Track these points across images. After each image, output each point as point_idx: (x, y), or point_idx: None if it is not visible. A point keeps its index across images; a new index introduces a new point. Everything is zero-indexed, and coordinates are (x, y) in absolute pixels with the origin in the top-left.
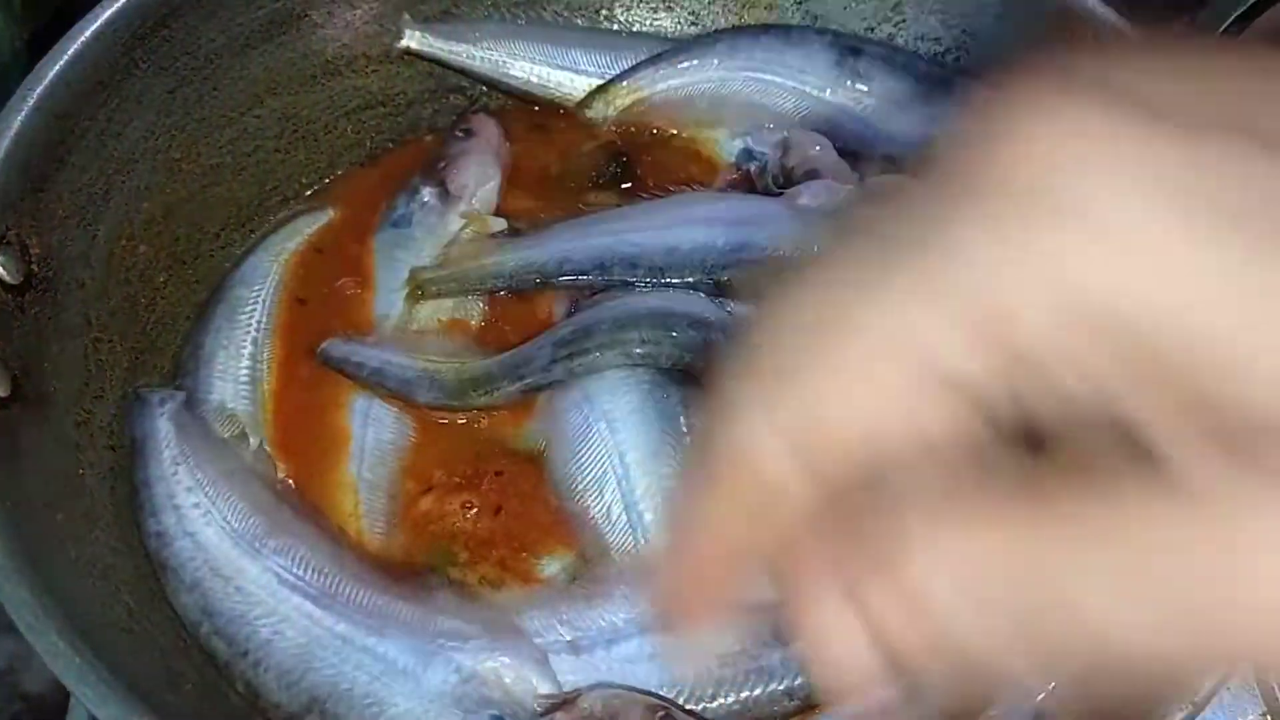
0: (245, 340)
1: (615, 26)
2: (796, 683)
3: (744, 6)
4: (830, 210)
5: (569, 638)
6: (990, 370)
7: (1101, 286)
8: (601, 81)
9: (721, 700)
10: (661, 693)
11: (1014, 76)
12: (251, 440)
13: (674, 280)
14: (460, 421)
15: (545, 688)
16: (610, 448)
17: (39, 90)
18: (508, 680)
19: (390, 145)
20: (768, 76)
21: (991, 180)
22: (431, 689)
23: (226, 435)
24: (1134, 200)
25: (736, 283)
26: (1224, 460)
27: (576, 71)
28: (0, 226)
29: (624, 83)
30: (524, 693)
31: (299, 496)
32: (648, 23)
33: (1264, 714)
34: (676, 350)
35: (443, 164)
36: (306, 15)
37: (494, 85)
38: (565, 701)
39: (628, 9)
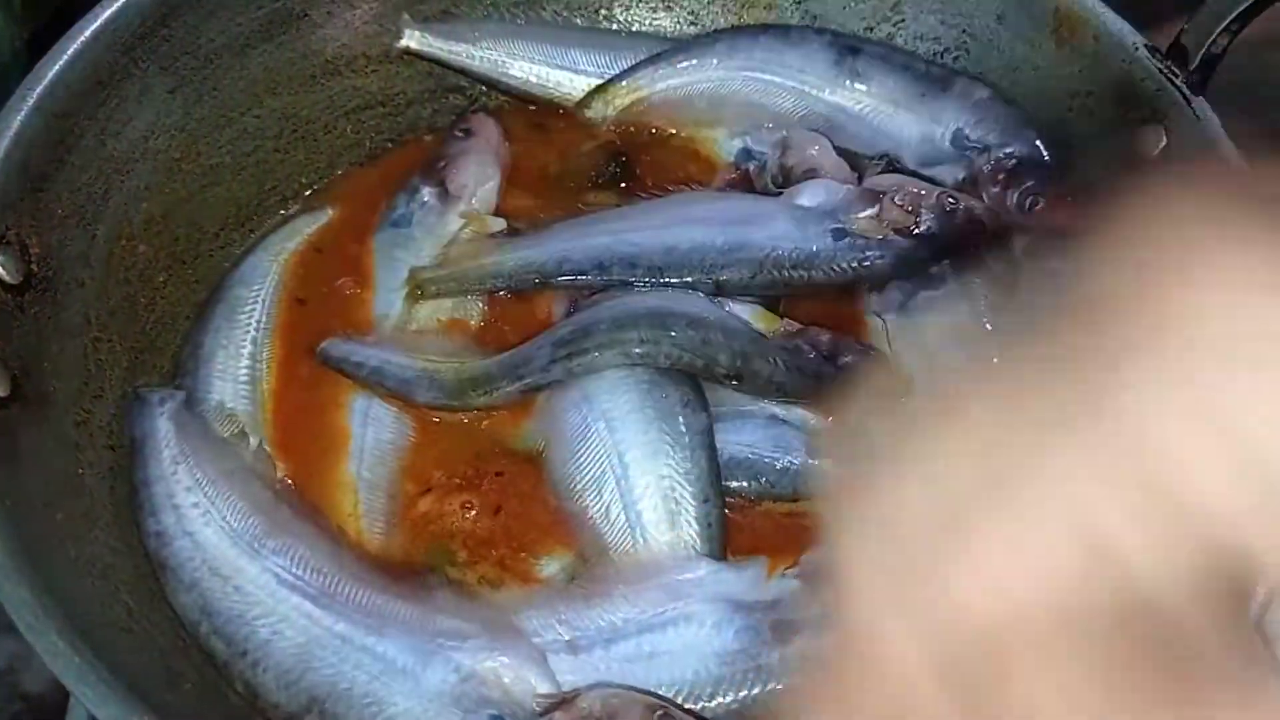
0: (245, 340)
1: (614, 26)
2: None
3: (743, 6)
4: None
5: (568, 637)
6: (1158, 539)
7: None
8: (600, 81)
9: (720, 700)
10: (660, 692)
11: (1156, 218)
12: (251, 440)
13: (673, 280)
14: (463, 421)
15: (544, 687)
16: (609, 447)
17: (38, 90)
18: (507, 680)
19: (389, 145)
20: (767, 76)
21: (1157, 335)
22: (430, 688)
23: (226, 435)
24: None
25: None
26: None
27: (576, 71)
28: (0, 226)
29: (623, 82)
30: (523, 692)
31: (298, 496)
32: (647, 22)
33: None
34: (675, 350)
35: (442, 164)
36: (306, 15)
37: (493, 85)
38: (564, 701)
39: (627, 9)
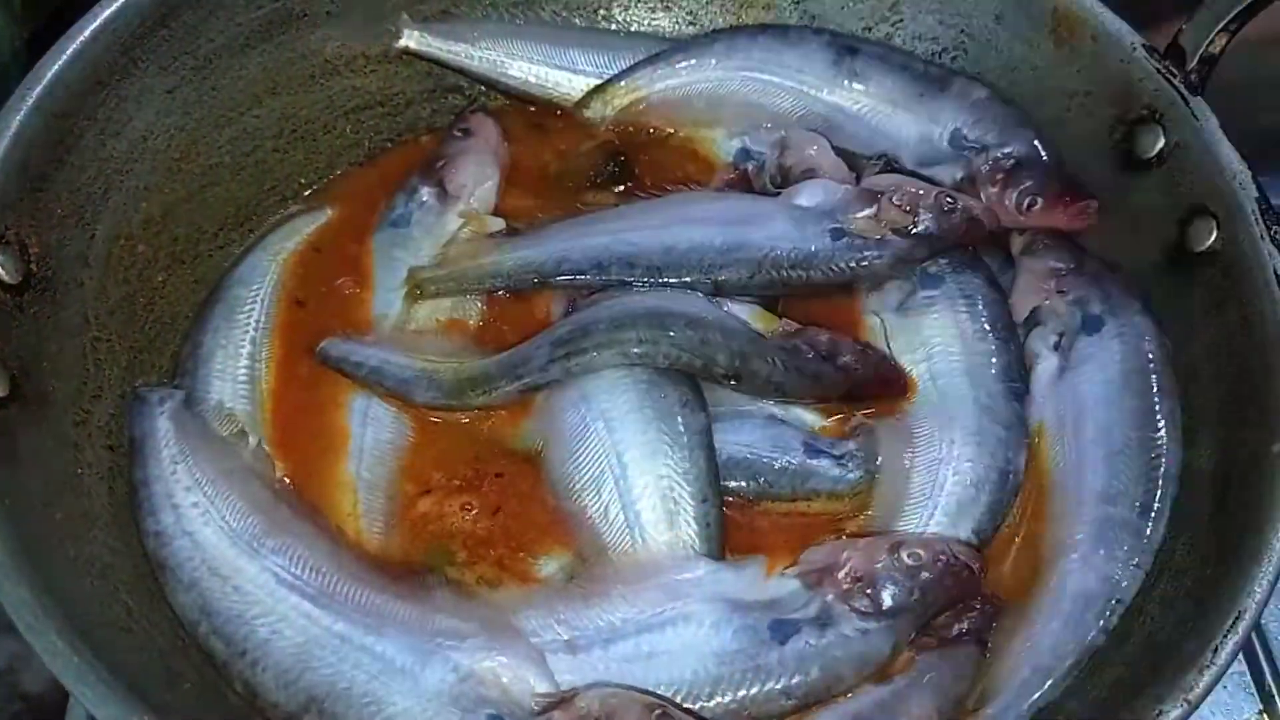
0: (244, 339)
1: (613, 26)
2: (793, 682)
3: (741, 6)
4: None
5: (566, 637)
6: None
7: None
8: (599, 81)
9: (719, 699)
10: (659, 692)
11: None
12: (250, 439)
13: (671, 280)
14: (462, 421)
15: (542, 687)
16: (608, 447)
17: (38, 90)
18: (505, 679)
19: (389, 145)
20: (765, 76)
21: None
22: (429, 688)
23: (225, 434)
24: None
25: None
26: None
27: (574, 71)
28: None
29: (622, 82)
30: (521, 692)
31: (297, 495)
32: (645, 23)
33: (1260, 712)
34: (674, 350)
35: (441, 163)
36: (305, 15)
37: (492, 85)
38: (562, 701)
39: (626, 9)
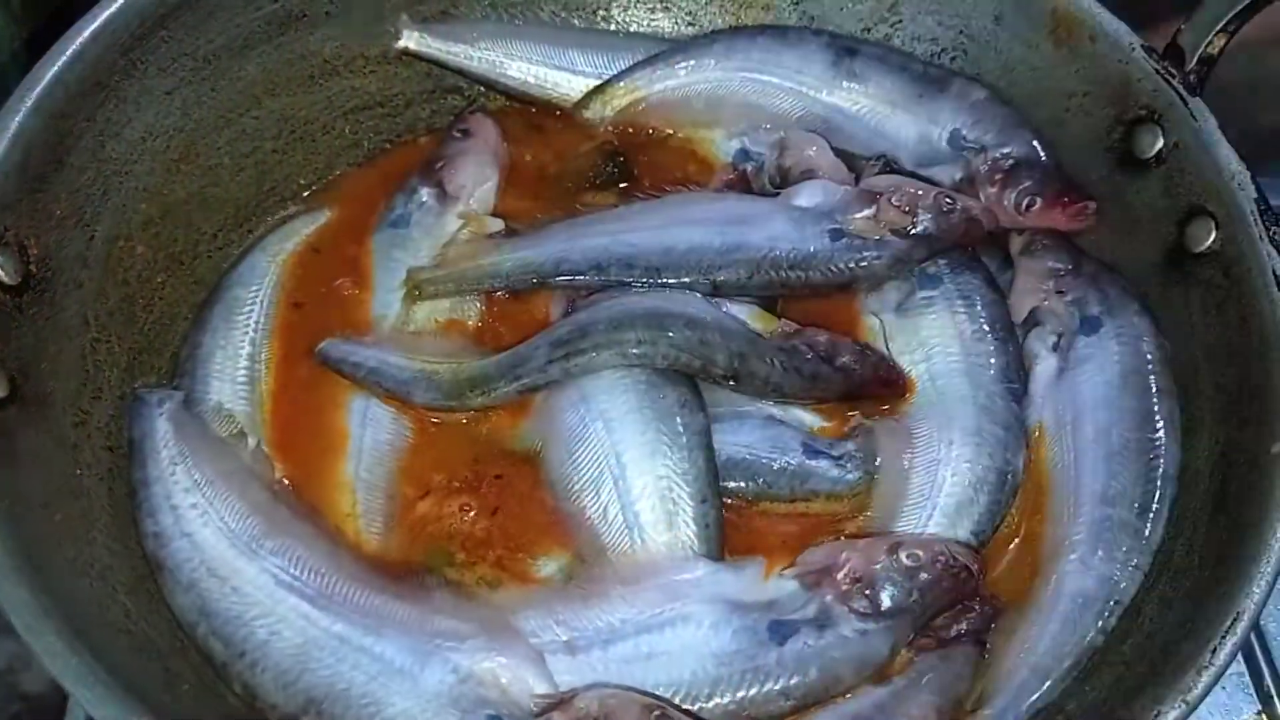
0: (243, 340)
1: (612, 27)
2: (792, 682)
3: (741, 7)
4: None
5: (565, 638)
6: None
7: None
8: (598, 82)
9: (718, 700)
10: (658, 693)
11: None
12: (249, 440)
13: (670, 280)
14: (461, 422)
15: (541, 688)
16: (607, 448)
17: (37, 91)
18: (504, 680)
19: (388, 146)
20: (764, 77)
21: None
22: (429, 689)
23: (224, 435)
24: None
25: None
26: None
27: (574, 72)
28: None
29: (621, 83)
30: (520, 693)
31: (296, 497)
32: (645, 23)
33: (1259, 712)
34: (672, 350)
35: (440, 164)
36: (304, 16)
37: (491, 86)
38: (561, 701)
39: (625, 9)
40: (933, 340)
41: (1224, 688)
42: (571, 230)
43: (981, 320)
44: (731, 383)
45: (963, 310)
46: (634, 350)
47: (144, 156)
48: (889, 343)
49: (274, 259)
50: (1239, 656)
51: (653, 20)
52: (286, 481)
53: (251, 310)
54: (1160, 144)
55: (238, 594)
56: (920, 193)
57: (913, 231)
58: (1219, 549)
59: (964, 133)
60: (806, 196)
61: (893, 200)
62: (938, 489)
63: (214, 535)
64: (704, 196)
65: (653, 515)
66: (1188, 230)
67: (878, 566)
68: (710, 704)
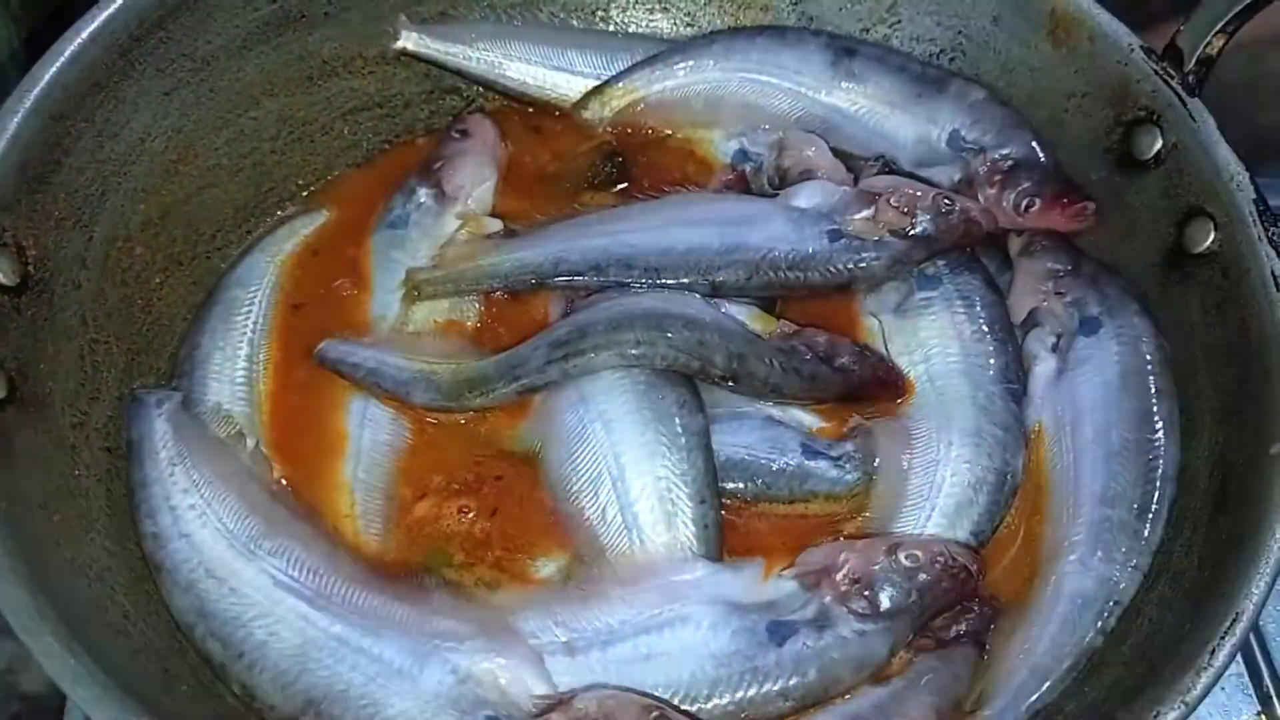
0: (241, 341)
1: (611, 28)
2: (791, 683)
3: (740, 7)
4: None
5: (564, 639)
6: None
7: None
8: (597, 83)
9: (717, 701)
10: (656, 693)
11: None
12: (248, 441)
13: (669, 281)
14: (460, 423)
15: (540, 688)
16: (605, 448)
17: (35, 92)
18: (503, 681)
19: (386, 146)
20: (763, 77)
21: None
22: (427, 690)
23: (223, 436)
24: None
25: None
26: None
27: (572, 73)
28: None
29: (620, 84)
30: (519, 694)
31: (295, 497)
32: (644, 24)
33: (1258, 713)
34: (671, 351)
35: (439, 165)
36: (303, 17)
37: (490, 86)
38: (560, 702)
39: (624, 10)
40: (932, 341)
41: (1223, 688)
42: (570, 231)
43: (981, 321)
44: (730, 383)
45: (962, 311)
46: (633, 351)
47: (142, 157)
48: (888, 343)
49: (272, 260)
50: (1238, 657)
51: (651, 21)
52: (285, 482)
53: (250, 311)
54: (1159, 145)
55: (236, 595)
56: (919, 194)
57: (911, 232)
58: (1218, 550)
59: (963, 133)
60: (805, 197)
61: (891, 201)
62: (937, 490)
63: (212, 536)
64: (703, 197)
65: (651, 516)
66: (1187, 231)
67: (877, 567)
68: (709, 705)
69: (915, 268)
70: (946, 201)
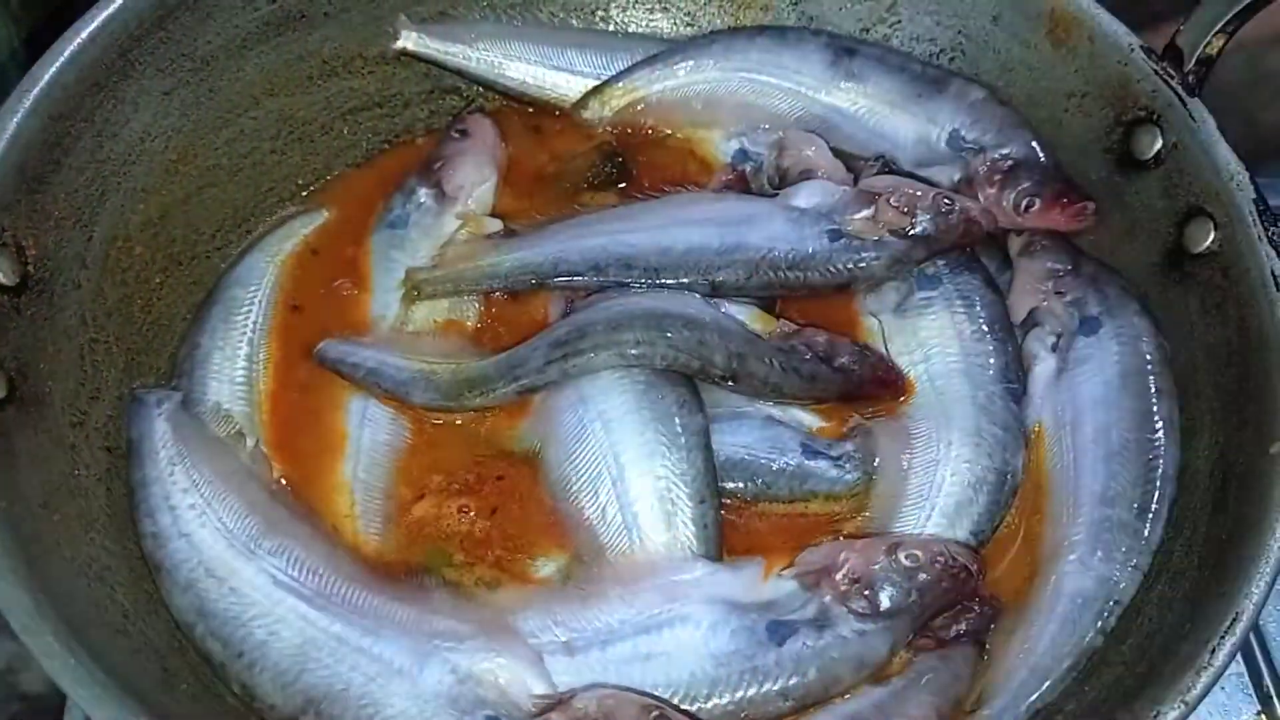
0: (241, 341)
1: (611, 28)
2: (791, 683)
3: (739, 7)
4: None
5: (564, 638)
6: None
7: None
8: (597, 82)
9: (716, 701)
10: (656, 693)
11: None
12: (248, 440)
13: (669, 281)
14: (459, 423)
15: (540, 688)
16: (605, 448)
17: (35, 92)
18: (503, 681)
19: (386, 146)
20: (763, 77)
21: None
22: (427, 689)
23: (223, 435)
24: None
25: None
26: None
27: (572, 72)
28: None
29: (619, 84)
30: (519, 693)
31: (294, 497)
32: (644, 24)
33: (1258, 713)
34: (671, 351)
35: (439, 165)
36: (303, 16)
37: (490, 86)
38: (560, 702)
39: (623, 10)
40: (932, 341)
41: (1223, 688)
42: (570, 231)
43: (980, 321)
44: (730, 383)
45: (962, 311)
46: (632, 351)
47: (142, 157)
48: (888, 343)
49: (272, 259)
50: (1238, 657)
51: (651, 21)
52: (285, 482)
53: (250, 311)
54: (1159, 144)
55: (236, 594)
56: (919, 193)
57: (911, 232)
58: (1218, 549)
59: (963, 133)
60: (805, 197)
61: (891, 201)
62: (937, 489)
63: (212, 536)
64: (702, 197)
65: (651, 516)
66: (1187, 231)
67: (877, 567)
68: (709, 704)
69: (915, 267)
70: (946, 201)
